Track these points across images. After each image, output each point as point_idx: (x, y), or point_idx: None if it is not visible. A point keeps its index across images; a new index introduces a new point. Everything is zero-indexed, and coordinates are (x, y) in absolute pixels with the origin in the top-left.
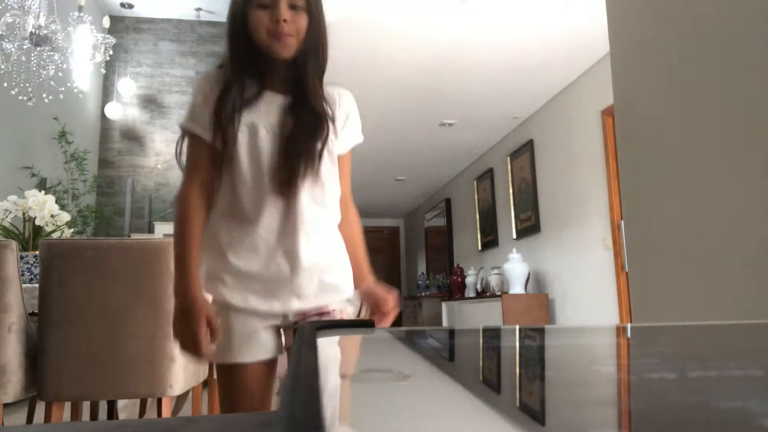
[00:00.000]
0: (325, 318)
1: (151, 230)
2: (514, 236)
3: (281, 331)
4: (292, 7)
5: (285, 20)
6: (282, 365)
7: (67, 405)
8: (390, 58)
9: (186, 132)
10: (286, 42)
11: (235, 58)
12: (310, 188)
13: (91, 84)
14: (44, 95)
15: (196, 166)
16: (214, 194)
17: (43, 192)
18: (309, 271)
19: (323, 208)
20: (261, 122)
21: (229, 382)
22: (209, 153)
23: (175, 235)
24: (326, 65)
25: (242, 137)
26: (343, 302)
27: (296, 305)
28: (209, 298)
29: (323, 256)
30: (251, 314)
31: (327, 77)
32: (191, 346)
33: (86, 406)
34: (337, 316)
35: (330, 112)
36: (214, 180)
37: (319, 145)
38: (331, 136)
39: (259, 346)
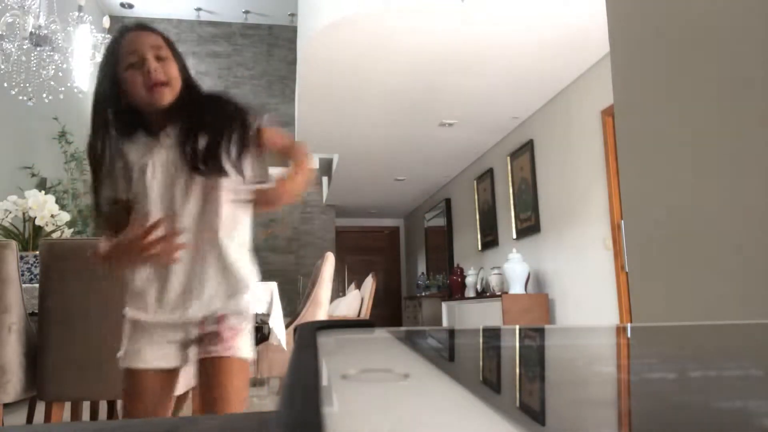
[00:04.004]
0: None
1: None
2: (514, 236)
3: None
4: (158, 58)
5: (156, 69)
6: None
7: (67, 405)
8: (390, 58)
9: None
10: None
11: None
12: None
13: (91, 84)
14: (44, 95)
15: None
16: None
17: (43, 192)
18: None
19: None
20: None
21: None
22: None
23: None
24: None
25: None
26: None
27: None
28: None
29: None
30: None
31: (327, 78)
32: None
33: (86, 406)
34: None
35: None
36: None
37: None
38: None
39: None
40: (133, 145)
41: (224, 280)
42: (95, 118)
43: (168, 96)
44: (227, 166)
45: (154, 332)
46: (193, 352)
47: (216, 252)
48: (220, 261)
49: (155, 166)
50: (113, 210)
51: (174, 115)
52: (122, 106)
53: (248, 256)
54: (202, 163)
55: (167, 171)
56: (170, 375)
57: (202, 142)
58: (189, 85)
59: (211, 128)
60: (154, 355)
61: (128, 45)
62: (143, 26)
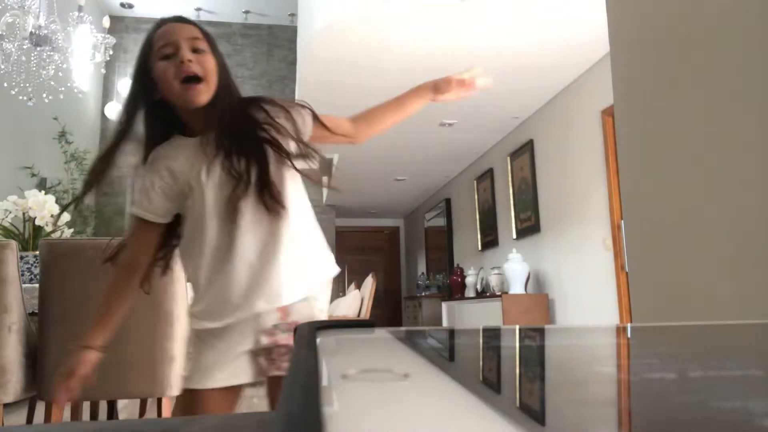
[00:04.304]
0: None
1: None
2: (514, 236)
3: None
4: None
5: (190, 60)
6: None
7: (67, 405)
8: (390, 58)
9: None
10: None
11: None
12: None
13: (91, 84)
14: (44, 95)
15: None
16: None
17: (43, 192)
18: None
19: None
20: (197, 176)
21: None
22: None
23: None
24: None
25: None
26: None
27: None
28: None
29: None
30: None
31: (327, 78)
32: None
33: (86, 406)
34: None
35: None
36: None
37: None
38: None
39: None
40: (171, 149)
41: (293, 274)
42: (126, 119)
43: (204, 94)
44: (283, 192)
45: (222, 342)
46: (264, 366)
47: (282, 245)
48: (287, 254)
49: (204, 179)
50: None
51: (212, 120)
52: (155, 103)
53: (321, 249)
54: (258, 200)
55: (219, 182)
56: (237, 391)
57: (252, 172)
58: (227, 84)
59: (256, 149)
60: (226, 370)
61: (163, 36)
62: (180, 18)
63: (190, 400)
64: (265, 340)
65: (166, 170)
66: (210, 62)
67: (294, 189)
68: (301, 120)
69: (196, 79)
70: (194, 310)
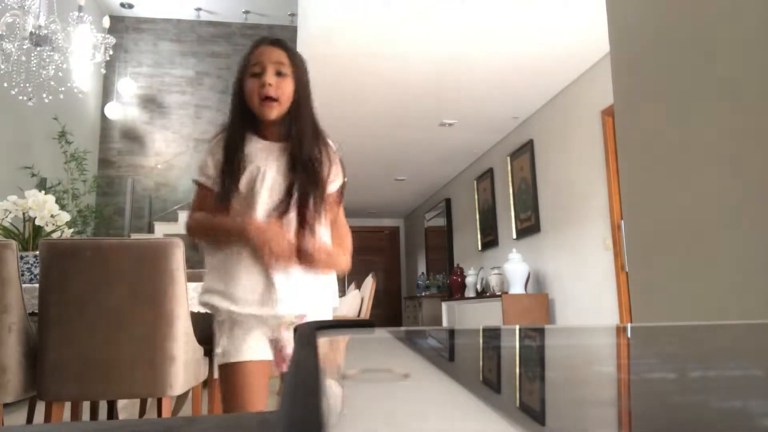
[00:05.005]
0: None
1: (151, 230)
2: (514, 236)
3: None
4: (278, 73)
5: (270, 84)
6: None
7: (67, 405)
8: (390, 58)
9: (197, 183)
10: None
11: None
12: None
13: (91, 84)
14: (44, 95)
15: (203, 205)
16: None
17: (43, 192)
18: None
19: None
20: (261, 166)
21: None
22: (210, 198)
23: (205, 234)
24: (315, 116)
25: (246, 180)
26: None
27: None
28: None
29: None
30: None
31: (328, 77)
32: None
33: (86, 406)
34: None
35: (319, 158)
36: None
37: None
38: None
39: None
40: (249, 144)
41: (311, 287)
42: (231, 114)
43: (274, 112)
44: (317, 218)
45: (248, 325)
46: (276, 359)
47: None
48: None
49: (266, 173)
50: (226, 198)
51: (280, 131)
52: (242, 109)
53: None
54: (297, 211)
55: (275, 182)
56: (268, 364)
57: (298, 188)
58: (300, 105)
59: (304, 174)
60: (256, 346)
61: (255, 56)
62: (274, 41)
63: (231, 371)
64: (282, 334)
65: (235, 158)
66: (288, 86)
67: (322, 215)
68: (335, 178)
69: (272, 99)
70: (224, 291)
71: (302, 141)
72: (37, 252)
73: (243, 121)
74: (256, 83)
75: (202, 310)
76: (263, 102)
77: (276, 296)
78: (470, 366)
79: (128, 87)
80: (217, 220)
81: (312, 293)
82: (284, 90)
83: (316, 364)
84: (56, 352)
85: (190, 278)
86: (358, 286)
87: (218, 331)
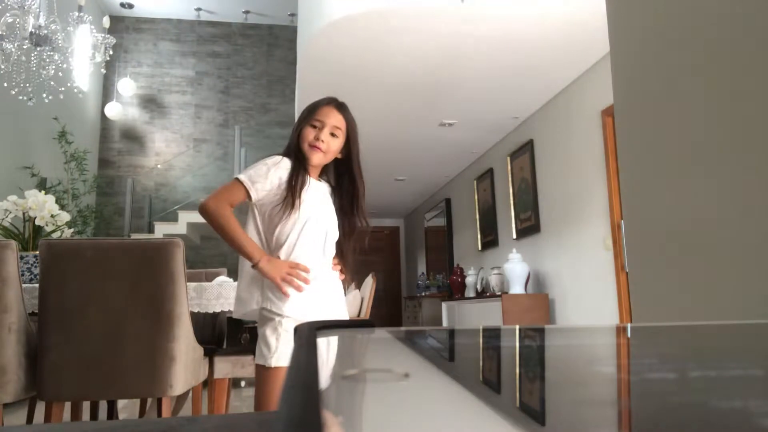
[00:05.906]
0: None
1: (151, 230)
2: (514, 236)
3: None
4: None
5: (322, 141)
6: None
7: (67, 405)
8: (390, 58)
9: (242, 184)
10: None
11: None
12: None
13: (91, 84)
14: (44, 95)
15: (232, 199)
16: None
17: (43, 192)
18: None
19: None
20: (310, 198)
21: None
22: (242, 200)
23: (223, 227)
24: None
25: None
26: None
27: None
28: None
29: None
30: None
31: (327, 78)
32: (294, 271)
33: (86, 406)
34: None
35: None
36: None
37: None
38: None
39: None
40: (305, 183)
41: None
42: (288, 149)
43: (319, 158)
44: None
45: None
46: None
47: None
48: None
49: (319, 211)
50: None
51: (318, 172)
52: (296, 147)
53: None
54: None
55: (325, 220)
56: None
57: (341, 225)
58: (343, 161)
59: (345, 218)
60: None
61: (321, 111)
62: (340, 105)
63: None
64: None
65: (298, 182)
66: (336, 145)
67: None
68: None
69: (320, 149)
70: (284, 304)
71: (350, 189)
72: (37, 252)
73: (297, 159)
74: (312, 134)
75: (209, 311)
76: (312, 148)
77: (330, 303)
78: (470, 366)
79: (128, 87)
80: (240, 231)
81: (343, 299)
82: (330, 146)
83: (316, 364)
84: (56, 352)
85: (190, 278)
86: (358, 286)
87: (270, 335)
